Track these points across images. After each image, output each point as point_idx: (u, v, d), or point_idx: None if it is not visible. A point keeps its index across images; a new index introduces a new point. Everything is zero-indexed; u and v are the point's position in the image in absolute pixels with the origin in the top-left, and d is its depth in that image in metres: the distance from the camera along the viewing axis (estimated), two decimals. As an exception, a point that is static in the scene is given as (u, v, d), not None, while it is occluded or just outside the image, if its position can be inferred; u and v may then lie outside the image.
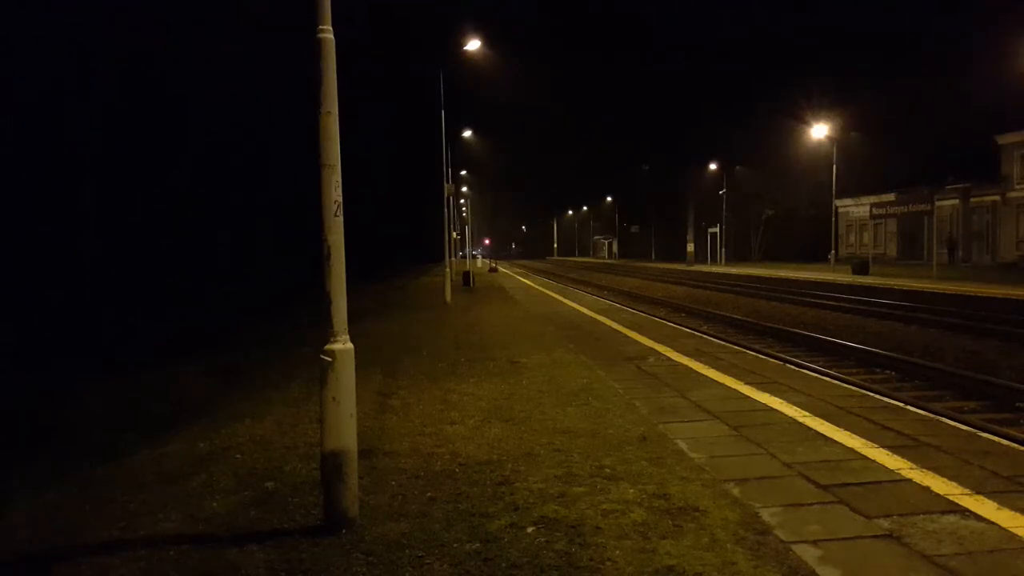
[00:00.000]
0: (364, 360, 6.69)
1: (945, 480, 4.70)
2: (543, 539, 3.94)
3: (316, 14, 4.18)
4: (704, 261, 61.00)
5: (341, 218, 4.22)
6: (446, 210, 23.54)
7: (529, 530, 4.06)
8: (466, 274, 31.70)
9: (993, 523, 4.02)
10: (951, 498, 4.39)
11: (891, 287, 25.02)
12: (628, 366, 9.54)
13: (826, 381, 8.44)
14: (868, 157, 52.02)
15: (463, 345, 11.89)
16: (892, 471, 4.92)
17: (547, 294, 25.99)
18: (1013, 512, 4.15)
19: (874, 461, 5.14)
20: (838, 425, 6.12)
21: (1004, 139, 43.44)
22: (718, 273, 42.06)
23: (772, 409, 6.82)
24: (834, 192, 38.77)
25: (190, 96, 23.94)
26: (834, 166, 37.78)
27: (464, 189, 62.11)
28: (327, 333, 4.16)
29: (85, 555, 3.93)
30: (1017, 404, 8.85)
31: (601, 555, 3.72)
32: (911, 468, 4.96)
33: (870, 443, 5.57)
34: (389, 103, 46.07)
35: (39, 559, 3.95)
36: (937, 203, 34.40)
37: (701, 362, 9.69)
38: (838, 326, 16.98)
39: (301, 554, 3.84)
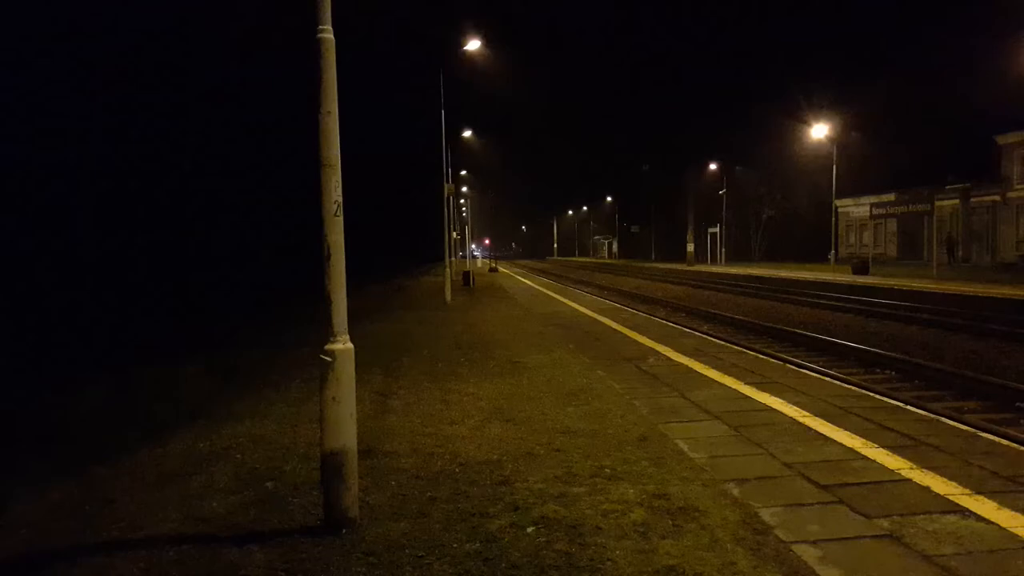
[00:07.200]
0: (364, 360, 6.69)
1: (945, 480, 4.70)
2: (543, 539, 3.94)
3: (316, 14, 4.17)
4: (704, 261, 60.99)
5: (341, 218, 4.22)
6: (446, 210, 23.53)
7: (529, 530, 4.06)
8: (466, 274, 31.70)
9: (993, 523, 4.02)
10: (951, 498, 4.39)
11: (891, 287, 25.01)
12: (628, 366, 9.54)
13: (826, 381, 8.44)
14: (868, 157, 52.08)
15: (463, 345, 11.89)
16: (892, 471, 4.92)
17: (547, 294, 25.99)
18: (1013, 512, 4.15)
19: (874, 461, 5.14)
20: (838, 425, 6.12)
21: (1004, 139, 43.44)
22: (718, 273, 42.05)
23: (772, 409, 6.82)
24: (834, 192, 38.77)
25: (190, 95, 23.94)
26: (834, 166, 37.78)
27: (464, 189, 62.06)
28: (327, 333, 4.16)
29: (85, 555, 3.93)
30: (1017, 404, 8.85)
31: (601, 555, 3.72)
32: (911, 468, 4.96)
33: (870, 443, 5.57)
34: (389, 103, 46.05)
35: (39, 559, 3.94)
36: (937, 203, 34.40)
37: (701, 362, 9.69)
38: (838, 326, 16.98)
39: (301, 554, 3.84)
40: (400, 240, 60.87)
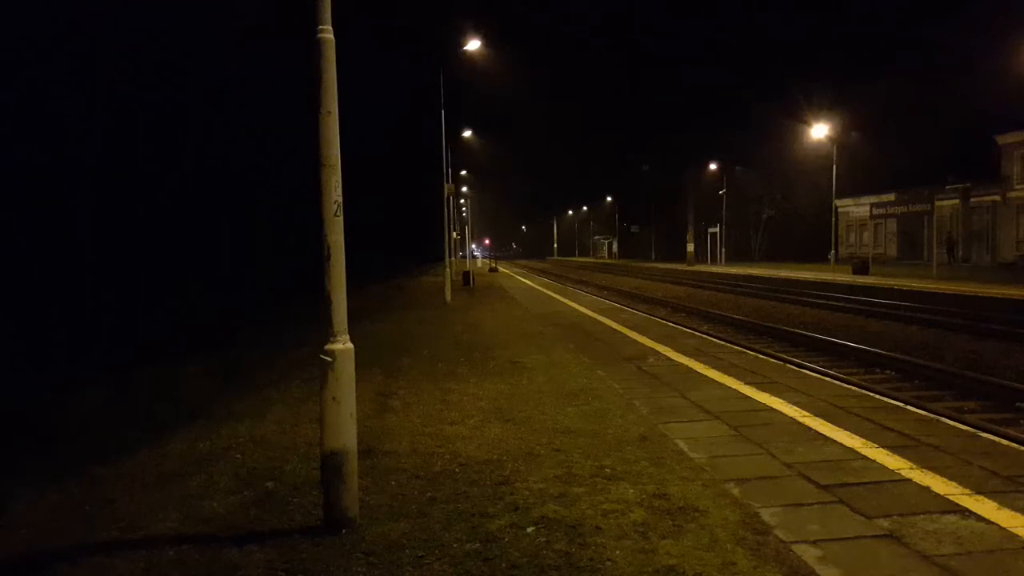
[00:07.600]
0: (364, 360, 6.69)
1: (945, 480, 4.70)
2: (543, 539, 3.94)
3: (316, 14, 4.17)
4: (704, 261, 61.02)
5: (341, 218, 4.22)
6: (446, 210, 23.53)
7: (529, 530, 4.06)
8: (466, 274, 31.71)
9: (993, 523, 4.02)
10: (951, 498, 4.39)
11: (891, 287, 25.02)
12: (628, 366, 9.54)
13: (826, 381, 8.44)
14: (868, 157, 52.11)
15: (463, 345, 11.89)
16: (892, 471, 4.92)
17: (547, 294, 25.99)
18: (1013, 512, 4.15)
19: (874, 461, 5.14)
20: (838, 425, 6.12)
21: (1004, 139, 43.46)
22: (718, 273, 42.07)
23: (772, 409, 6.82)
24: (834, 192, 38.76)
25: (189, 95, 23.90)
26: (834, 166, 37.78)
27: (464, 189, 62.10)
28: (327, 333, 4.16)
29: (85, 555, 3.93)
30: (1017, 404, 8.85)
31: (601, 555, 3.72)
32: (911, 468, 4.96)
33: (870, 443, 5.57)
34: (389, 103, 46.00)
35: (39, 559, 3.95)
36: (937, 203, 34.42)
37: (701, 362, 9.69)
38: (838, 326, 16.98)
39: (301, 554, 3.84)
40: (400, 240, 60.72)
